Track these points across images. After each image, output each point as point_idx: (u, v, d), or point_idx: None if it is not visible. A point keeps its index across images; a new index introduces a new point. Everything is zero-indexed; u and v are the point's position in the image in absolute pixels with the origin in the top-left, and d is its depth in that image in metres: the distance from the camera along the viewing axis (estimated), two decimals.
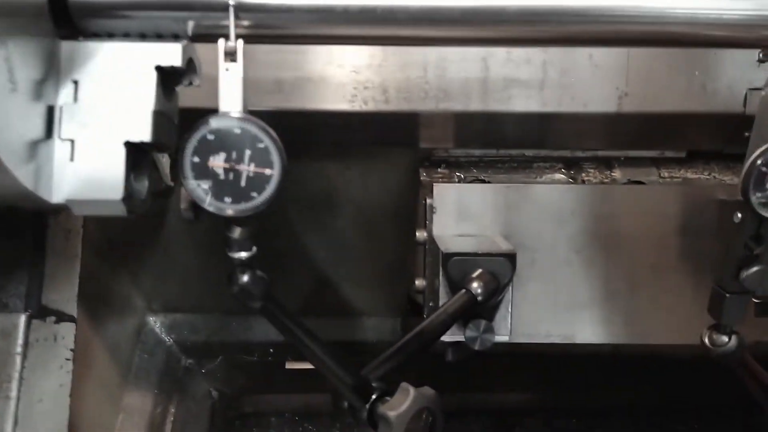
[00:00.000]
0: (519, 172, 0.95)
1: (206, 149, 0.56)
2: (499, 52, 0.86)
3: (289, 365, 1.40)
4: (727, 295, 0.68)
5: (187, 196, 0.57)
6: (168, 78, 0.58)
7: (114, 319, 1.25)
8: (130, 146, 0.56)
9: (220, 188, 0.56)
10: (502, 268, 0.68)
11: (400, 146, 0.98)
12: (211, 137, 0.56)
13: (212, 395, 1.46)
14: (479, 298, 0.66)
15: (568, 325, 0.83)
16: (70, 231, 0.73)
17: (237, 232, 0.59)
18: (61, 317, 0.72)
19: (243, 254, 0.60)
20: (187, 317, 1.36)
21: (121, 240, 1.20)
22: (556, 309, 0.83)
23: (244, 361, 1.38)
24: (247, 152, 0.56)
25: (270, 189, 0.56)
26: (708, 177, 0.96)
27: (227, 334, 1.37)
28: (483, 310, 0.70)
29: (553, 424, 1.69)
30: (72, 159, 0.55)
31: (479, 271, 0.67)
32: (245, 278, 0.60)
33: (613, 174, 0.95)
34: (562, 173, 0.95)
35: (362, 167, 1.03)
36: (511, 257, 0.69)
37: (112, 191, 0.56)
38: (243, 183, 0.56)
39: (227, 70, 0.57)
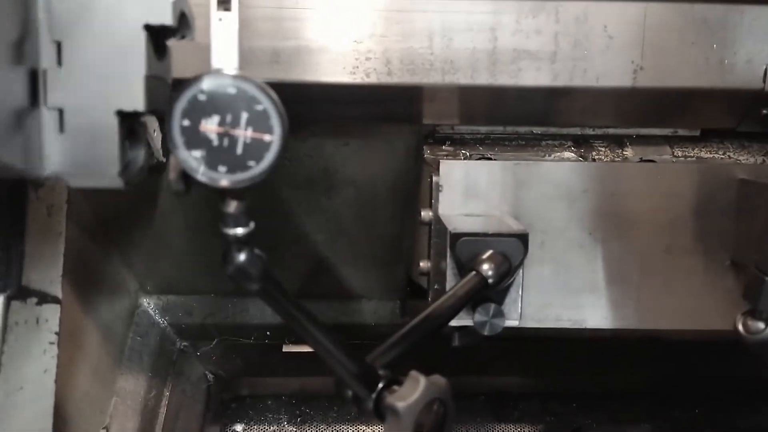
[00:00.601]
0: (527, 150, 0.91)
1: (197, 112, 0.50)
2: (508, 22, 0.81)
3: (286, 348, 1.38)
4: (767, 278, 0.64)
5: (176, 166, 0.52)
6: (159, 36, 0.53)
7: (106, 301, 1.22)
8: (123, 115, 0.52)
9: (214, 156, 0.51)
10: (513, 249, 0.64)
11: (402, 122, 0.94)
12: (202, 98, 0.50)
13: (208, 378, 1.43)
14: (490, 281, 0.63)
15: (579, 310, 0.80)
16: (53, 206, 0.68)
17: (232, 206, 0.54)
18: (44, 298, 0.68)
19: (239, 230, 0.55)
20: (181, 299, 1.34)
21: (112, 219, 1.16)
22: (566, 292, 0.80)
23: (240, 343, 1.36)
24: (244, 115, 0.51)
25: (269, 157, 0.51)
26: (722, 156, 0.92)
27: (223, 316, 1.35)
28: (492, 293, 0.67)
29: (551, 407, 1.68)
30: (62, 130, 0.52)
31: (490, 252, 0.63)
32: (242, 257, 0.55)
33: (624, 152, 0.92)
34: (572, 151, 0.91)
35: (362, 144, 0.99)
36: (523, 237, 0.66)
37: (107, 164, 0.52)
38: (239, 150, 0.51)
39: (220, 20, 0.52)
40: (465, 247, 0.65)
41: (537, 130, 0.93)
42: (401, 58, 0.82)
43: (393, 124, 0.96)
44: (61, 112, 0.51)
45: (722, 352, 1.37)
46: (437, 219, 0.75)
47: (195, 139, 0.51)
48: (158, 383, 1.31)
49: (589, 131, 0.93)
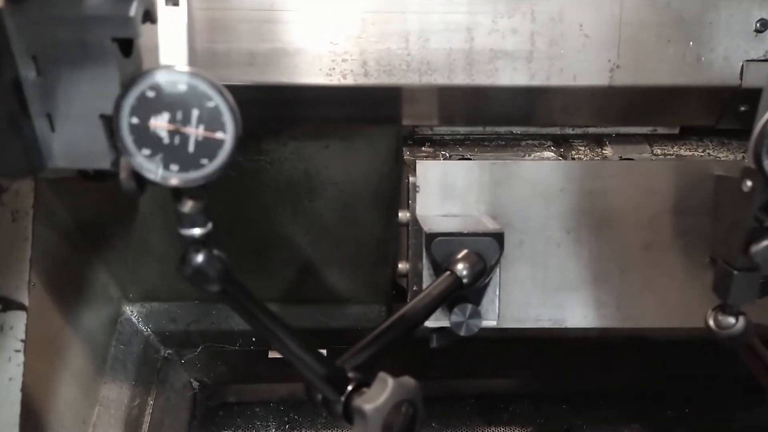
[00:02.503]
0: (506, 150, 0.91)
1: (146, 108, 0.49)
2: (485, 21, 0.81)
3: (272, 354, 1.36)
4: (735, 272, 0.64)
5: (126, 165, 0.51)
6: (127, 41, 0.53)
7: (88, 309, 1.21)
8: (105, 118, 0.53)
9: (165, 154, 0.50)
10: (488, 249, 0.64)
11: (381, 124, 0.94)
12: (151, 94, 0.49)
13: (193, 386, 1.42)
14: (465, 281, 0.62)
15: (558, 309, 0.79)
16: (18, 211, 0.67)
17: (188, 206, 0.53)
18: (9, 305, 0.67)
19: (196, 231, 0.54)
20: (165, 306, 1.33)
21: (93, 225, 1.15)
22: (545, 292, 0.79)
23: (225, 350, 1.35)
24: (195, 112, 0.50)
25: (222, 156, 0.50)
26: (702, 153, 0.92)
27: (207, 322, 1.33)
28: (469, 293, 0.66)
29: (542, 409, 1.68)
30: (53, 130, 0.54)
31: (464, 251, 0.63)
32: (199, 258, 0.54)
33: (604, 151, 0.92)
34: (552, 151, 0.91)
35: (342, 146, 0.98)
36: (498, 237, 0.65)
37: (100, 160, 0.54)
38: (191, 148, 0.50)
39: (168, 15, 0.52)
40: (440, 247, 0.64)
41: (517, 130, 0.93)
42: (378, 59, 0.82)
43: (373, 125, 0.95)
44: (49, 116, 0.54)
45: (711, 351, 1.37)
46: (414, 220, 0.74)
47: (145, 137, 0.50)
48: (142, 392, 1.29)
49: (569, 131, 0.93)
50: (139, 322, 1.33)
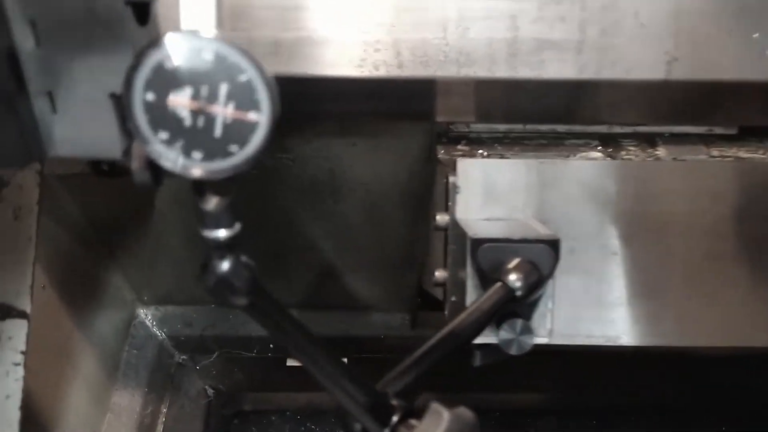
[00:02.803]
0: (549, 150, 0.84)
1: (165, 83, 0.41)
2: (530, 8, 0.74)
3: (290, 362, 1.31)
4: None
5: (140, 151, 0.44)
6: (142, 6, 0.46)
7: (100, 311, 1.17)
8: (116, 98, 0.47)
9: (187, 139, 0.42)
10: (543, 257, 0.57)
11: (413, 119, 0.87)
12: (170, 65, 0.41)
13: (207, 393, 1.37)
14: (518, 293, 0.55)
15: (612, 325, 0.72)
16: (21, 208, 0.61)
17: (212, 202, 0.45)
18: (8, 312, 0.61)
19: (221, 233, 0.46)
20: (180, 309, 1.29)
21: (107, 224, 1.11)
22: (598, 305, 0.72)
23: (242, 356, 1.30)
24: (224, 87, 0.42)
25: (256, 142, 0.42)
26: (763, 156, 0.85)
27: (224, 327, 1.29)
28: (519, 307, 0.59)
29: (568, 426, 1.60)
30: (55, 111, 0.49)
31: (517, 260, 0.56)
32: (224, 266, 0.47)
33: (656, 152, 0.84)
34: (599, 151, 0.84)
35: (371, 143, 0.92)
36: (553, 244, 0.58)
37: (110, 148, 0.49)
38: (218, 132, 0.42)
39: None
40: (488, 255, 0.58)
41: (560, 128, 0.85)
42: (413, 50, 0.75)
43: (404, 121, 0.89)
44: (50, 94, 0.48)
45: (750, 364, 1.28)
46: (454, 223, 0.68)
47: (162, 117, 0.42)
48: (155, 399, 1.24)
49: (618, 129, 0.86)
50: (153, 326, 1.28)
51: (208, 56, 0.42)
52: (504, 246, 0.57)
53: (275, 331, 0.50)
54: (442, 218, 0.68)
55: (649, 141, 0.86)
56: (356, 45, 0.75)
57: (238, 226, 0.47)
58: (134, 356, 1.24)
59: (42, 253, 0.88)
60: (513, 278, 0.54)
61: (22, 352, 0.62)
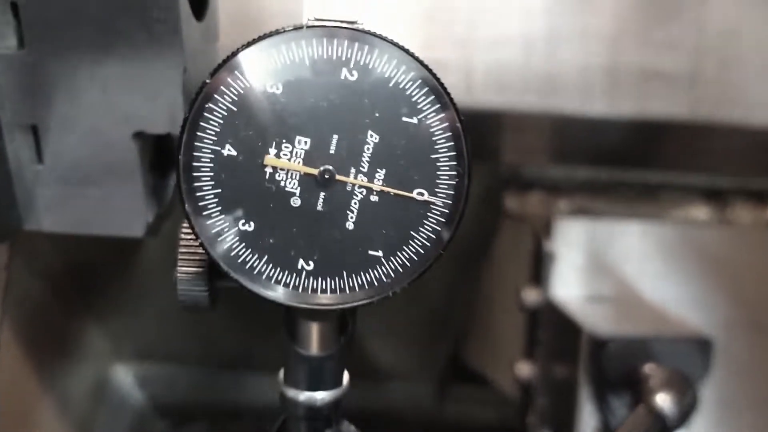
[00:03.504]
0: (642, 203, 0.68)
1: (258, 126, 0.24)
2: (636, 30, 0.60)
3: None
4: None
5: (191, 248, 0.27)
6: None
7: (72, 369, 0.99)
8: (144, 138, 0.34)
9: (291, 233, 0.25)
10: (691, 363, 0.40)
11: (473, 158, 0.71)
12: (270, 93, 0.24)
13: None
14: (670, 423, 0.37)
15: None
16: None
17: (314, 347, 0.27)
18: None
19: (320, 395, 0.29)
20: (163, 368, 1.12)
21: (84, 269, 0.93)
22: (733, 411, 0.54)
23: (232, 427, 1.10)
24: (371, 137, 0.24)
25: (421, 240, 0.26)
26: None
27: (213, 392, 1.13)
28: None
29: None
30: (41, 159, 0.36)
31: (663, 372, 0.38)
32: None
33: None
34: (701, 208, 0.68)
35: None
36: (704, 345, 0.41)
37: (127, 222, 0.39)
38: (351, 222, 0.25)
39: None
40: (616, 358, 0.40)
41: (654, 178, 0.70)
42: (487, 71, 0.60)
43: None
44: (34, 129, 0.35)
45: None
46: (550, 305, 0.51)
47: (248, 190, 0.25)
48: None
49: (722, 183, 0.71)
50: (131, 388, 1.09)
51: (345, 75, 0.24)
52: (638, 347, 0.40)
53: None
54: (531, 296, 0.51)
55: (759, 197, 0.71)
56: None
57: (346, 381, 0.30)
58: (108, 424, 1.05)
59: (9, 304, 0.70)
60: (662, 400, 0.36)
61: None
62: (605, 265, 0.52)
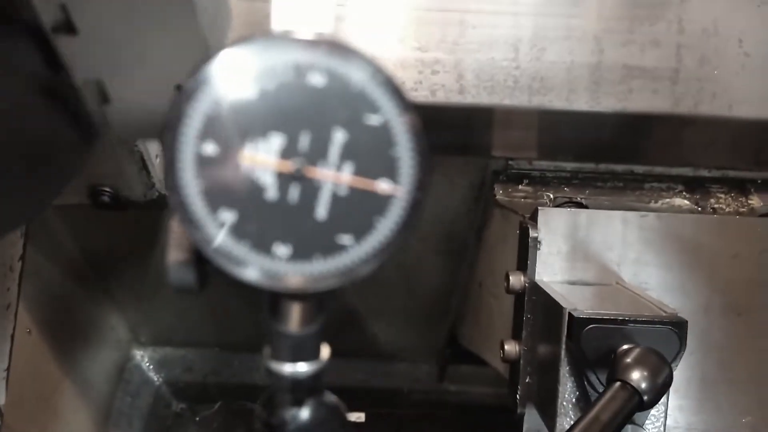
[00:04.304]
0: (626, 195, 0.72)
1: (235, 125, 0.26)
2: (619, 29, 0.63)
3: None
4: None
5: (180, 239, 0.28)
6: None
7: (93, 353, 1.04)
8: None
9: (268, 223, 0.27)
10: (666, 345, 0.44)
11: (466, 153, 0.75)
12: (246, 96, 0.26)
13: None
14: (645, 398, 0.41)
15: (728, 416, 0.58)
16: None
17: (294, 323, 0.29)
18: None
19: (302, 368, 0.30)
20: (180, 352, 1.17)
21: (104, 258, 0.98)
22: (713, 393, 0.58)
23: (246, 408, 1.15)
24: (338, 136, 0.27)
25: (385, 230, 0.28)
26: None
27: (228, 374, 1.17)
28: None
29: None
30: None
31: (637, 351, 0.43)
32: (303, 416, 0.31)
33: (750, 201, 0.72)
34: (683, 197, 0.72)
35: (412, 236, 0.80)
36: (679, 326, 0.45)
37: None
38: (321, 212, 0.27)
39: None
40: (594, 339, 0.44)
41: (639, 169, 0.73)
42: (478, 73, 0.64)
43: (454, 155, 0.77)
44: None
45: None
46: (534, 288, 0.55)
47: (226, 185, 0.27)
48: None
49: (704, 173, 0.74)
50: (149, 370, 1.15)
51: (316, 80, 0.26)
52: (616, 329, 0.44)
53: None
54: (517, 279, 0.55)
55: (740, 188, 0.74)
56: (411, 65, 0.63)
57: (326, 353, 0.31)
58: (127, 404, 1.10)
59: (29, 292, 0.75)
60: (637, 377, 0.41)
61: None
62: (588, 252, 0.56)
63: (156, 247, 0.99)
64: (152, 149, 0.68)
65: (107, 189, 0.67)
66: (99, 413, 1.05)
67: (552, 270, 0.56)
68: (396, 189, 0.28)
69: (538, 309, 0.53)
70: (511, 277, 0.56)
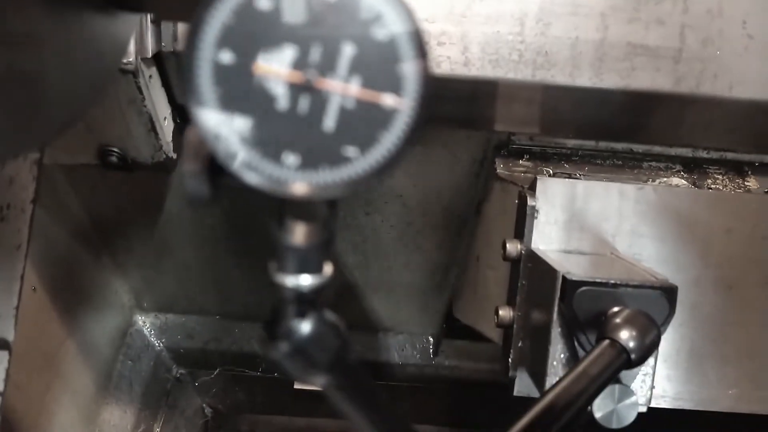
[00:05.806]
0: (624, 173, 0.73)
1: (252, 36, 0.27)
2: (625, 7, 0.64)
3: (299, 384, 1.19)
4: None
5: (197, 145, 0.29)
6: None
7: (96, 317, 1.06)
8: None
9: (278, 131, 0.28)
10: (655, 308, 0.46)
11: (468, 127, 0.76)
12: (264, 5, 0.28)
13: (205, 412, 1.25)
14: (633, 356, 0.43)
15: (707, 387, 0.60)
16: (9, 207, 0.48)
17: (299, 235, 0.31)
18: None
19: (305, 280, 0.32)
20: (181, 319, 1.18)
21: (110, 222, 1.00)
22: (701, 365, 0.60)
23: (245, 375, 1.18)
24: (347, 50, 0.28)
25: (389, 143, 0.29)
26: None
27: (228, 341, 1.19)
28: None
29: None
30: None
31: (627, 312, 0.44)
32: (305, 328, 0.33)
33: (746, 183, 0.73)
34: (681, 177, 0.73)
35: (416, 151, 0.81)
36: (669, 292, 0.47)
37: None
38: (329, 123, 0.29)
39: None
40: (586, 301, 0.46)
41: (638, 147, 0.74)
42: (483, 45, 0.64)
43: (457, 128, 0.78)
44: None
45: None
46: (530, 255, 0.57)
47: (242, 93, 0.28)
48: (148, 416, 1.13)
49: (703, 154, 0.75)
50: (151, 335, 1.17)
51: None
52: (607, 291, 0.46)
53: (356, 416, 0.37)
54: (513, 247, 0.57)
55: (737, 169, 0.75)
56: None
57: (329, 270, 0.33)
58: (128, 368, 1.13)
59: (35, 251, 0.77)
60: (626, 336, 0.42)
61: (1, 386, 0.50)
62: (584, 223, 0.57)
63: (163, 211, 1.00)
64: (160, 111, 0.69)
65: (115, 149, 0.68)
66: (100, 375, 1.08)
67: (548, 239, 0.57)
68: (401, 102, 0.29)
69: (533, 275, 0.55)
70: (507, 245, 0.57)
